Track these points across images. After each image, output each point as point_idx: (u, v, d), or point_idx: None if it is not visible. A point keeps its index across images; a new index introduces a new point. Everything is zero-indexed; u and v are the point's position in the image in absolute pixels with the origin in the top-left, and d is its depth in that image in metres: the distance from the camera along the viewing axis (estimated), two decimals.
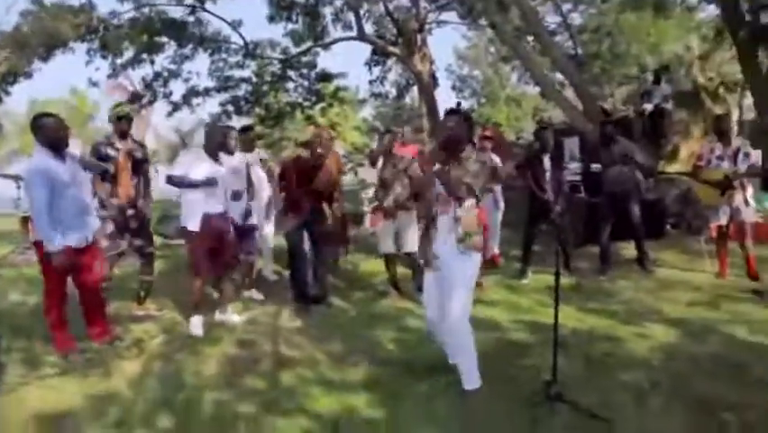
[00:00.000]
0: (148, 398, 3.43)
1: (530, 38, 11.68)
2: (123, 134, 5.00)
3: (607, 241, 6.19)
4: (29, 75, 11.94)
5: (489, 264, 6.50)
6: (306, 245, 5.36)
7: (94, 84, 12.98)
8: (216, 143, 4.85)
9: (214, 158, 4.80)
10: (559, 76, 11.37)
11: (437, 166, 3.36)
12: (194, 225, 4.66)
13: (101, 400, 3.41)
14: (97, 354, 4.15)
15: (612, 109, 12.26)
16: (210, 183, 4.62)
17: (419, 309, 4.89)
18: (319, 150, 5.19)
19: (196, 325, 4.70)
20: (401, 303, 5.37)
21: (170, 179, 4.70)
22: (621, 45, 16.28)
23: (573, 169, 7.57)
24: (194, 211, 4.66)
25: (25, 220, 8.01)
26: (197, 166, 4.69)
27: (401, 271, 5.78)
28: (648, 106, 9.87)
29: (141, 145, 5.27)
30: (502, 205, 6.80)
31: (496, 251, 6.95)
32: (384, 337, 4.45)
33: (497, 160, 6.62)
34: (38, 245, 4.01)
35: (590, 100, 8.21)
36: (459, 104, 10.67)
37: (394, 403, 3.25)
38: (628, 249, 6.53)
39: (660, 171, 8.60)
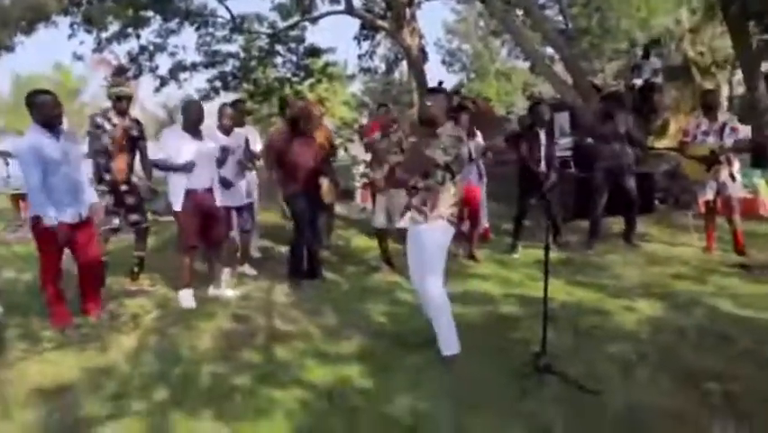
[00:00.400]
0: (144, 371, 3.47)
1: (520, 12, 11.59)
2: (122, 112, 5.09)
3: (599, 215, 6.26)
4: (11, 49, 11.71)
5: (481, 238, 6.58)
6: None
7: (78, 58, 12.82)
8: (194, 120, 4.82)
9: (195, 134, 4.78)
10: (549, 50, 11.33)
11: (412, 139, 3.46)
12: (178, 202, 4.71)
13: (98, 373, 3.45)
14: (93, 328, 4.19)
15: (603, 84, 12.28)
16: (188, 168, 4.63)
17: (410, 284, 4.96)
18: (301, 120, 5.22)
19: (186, 298, 4.78)
20: (392, 277, 5.43)
21: (156, 165, 4.85)
22: (611, 20, 16.23)
23: (563, 144, 7.61)
24: (178, 189, 4.71)
25: (16, 198, 7.96)
26: (180, 147, 4.70)
27: (393, 246, 5.83)
28: (638, 81, 9.88)
29: (138, 123, 5.32)
30: (485, 179, 6.83)
31: (486, 224, 6.99)
32: (376, 311, 4.52)
33: (479, 137, 6.62)
34: (33, 221, 4.02)
35: (581, 75, 8.22)
36: (441, 82, 10.57)
37: (386, 374, 3.33)
38: (618, 223, 6.62)
39: (649, 147, 8.67)
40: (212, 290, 5.01)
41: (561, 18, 15.15)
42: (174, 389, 3.24)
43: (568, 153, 7.26)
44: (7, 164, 7.99)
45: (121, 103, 5.09)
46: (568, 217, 6.97)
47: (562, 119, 8.12)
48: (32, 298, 4.76)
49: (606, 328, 3.88)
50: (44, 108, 3.98)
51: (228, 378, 3.37)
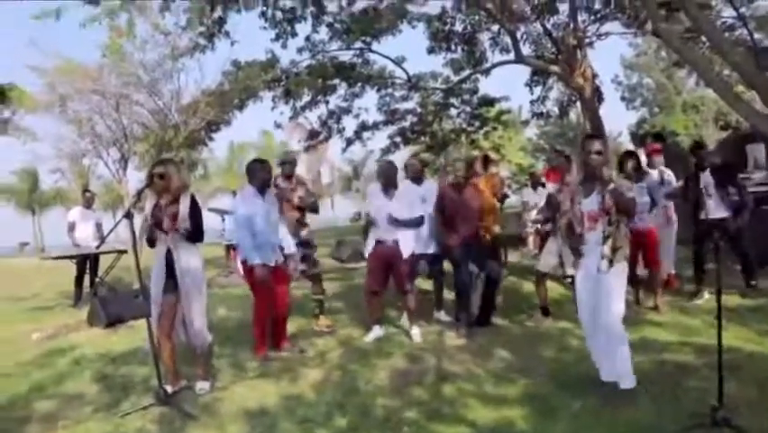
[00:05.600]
0: (328, 401, 3.92)
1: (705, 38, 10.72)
2: (287, 177, 5.73)
3: None
4: (228, 123, 13.92)
5: (665, 285, 6.18)
6: (471, 267, 5.56)
7: (278, 126, 14.66)
8: (383, 180, 5.36)
9: (384, 192, 5.32)
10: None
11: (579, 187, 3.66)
12: (367, 250, 5.38)
13: (290, 399, 3.99)
14: (287, 362, 4.81)
15: None
16: (371, 221, 5.32)
17: (579, 330, 4.88)
18: (459, 174, 5.54)
19: (368, 337, 5.33)
20: (561, 323, 5.37)
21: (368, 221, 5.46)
22: None
23: (758, 179, 6.88)
24: (369, 239, 5.38)
25: (228, 248, 9.36)
26: (372, 201, 5.36)
27: (562, 292, 5.76)
28: None
29: (303, 183, 5.86)
30: (675, 222, 6.39)
31: (671, 271, 6.51)
32: (543, 356, 4.55)
33: (670, 174, 6.29)
34: (244, 265, 4.88)
35: None
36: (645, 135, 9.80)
37: (548, 418, 3.36)
38: None
39: None
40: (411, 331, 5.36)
41: (758, 36, 13.57)
42: (352, 417, 3.62)
43: (764, 189, 6.51)
44: (223, 220, 9.41)
45: (284, 167, 5.76)
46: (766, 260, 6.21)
47: (757, 151, 7.31)
48: (240, 332, 5.61)
49: None
50: (259, 175, 4.89)
51: (399, 411, 3.67)
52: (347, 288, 7.77)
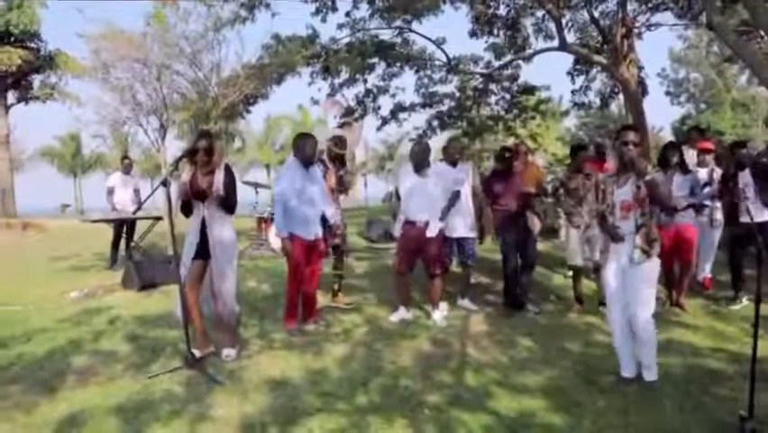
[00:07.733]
0: (351, 377, 3.97)
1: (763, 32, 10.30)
2: (334, 158, 5.82)
3: None
4: (266, 96, 13.97)
5: (700, 287, 6.06)
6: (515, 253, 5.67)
7: (315, 102, 14.66)
8: (419, 160, 5.32)
9: (417, 172, 5.30)
10: None
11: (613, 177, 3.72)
12: (397, 230, 5.40)
13: (314, 373, 4.04)
14: (312, 336, 4.87)
15: None
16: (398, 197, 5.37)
17: (606, 325, 4.81)
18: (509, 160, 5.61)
19: (394, 317, 5.35)
20: (588, 317, 5.31)
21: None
22: None
23: None
24: (398, 219, 5.39)
25: (260, 220, 9.45)
26: (404, 181, 5.37)
27: (592, 286, 5.68)
28: None
29: (343, 164, 6.03)
30: (719, 223, 6.19)
31: (707, 274, 6.32)
32: (568, 349, 4.50)
33: (719, 173, 6.10)
34: (284, 237, 4.91)
35: None
36: (698, 128, 9.45)
37: (571, 413, 3.34)
38: None
39: None
40: (433, 314, 5.40)
41: None
42: (374, 396, 3.66)
43: None
44: (257, 192, 9.48)
45: (335, 147, 5.83)
46: None
47: None
48: (268, 304, 5.71)
49: None
50: (306, 149, 4.91)
51: (421, 394, 3.68)
52: (375, 267, 7.79)
